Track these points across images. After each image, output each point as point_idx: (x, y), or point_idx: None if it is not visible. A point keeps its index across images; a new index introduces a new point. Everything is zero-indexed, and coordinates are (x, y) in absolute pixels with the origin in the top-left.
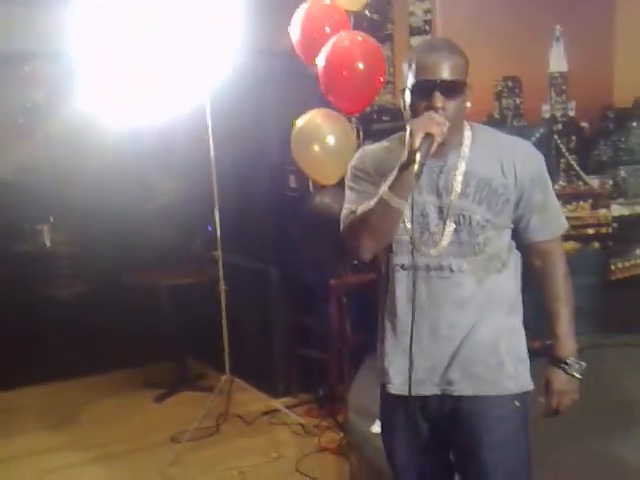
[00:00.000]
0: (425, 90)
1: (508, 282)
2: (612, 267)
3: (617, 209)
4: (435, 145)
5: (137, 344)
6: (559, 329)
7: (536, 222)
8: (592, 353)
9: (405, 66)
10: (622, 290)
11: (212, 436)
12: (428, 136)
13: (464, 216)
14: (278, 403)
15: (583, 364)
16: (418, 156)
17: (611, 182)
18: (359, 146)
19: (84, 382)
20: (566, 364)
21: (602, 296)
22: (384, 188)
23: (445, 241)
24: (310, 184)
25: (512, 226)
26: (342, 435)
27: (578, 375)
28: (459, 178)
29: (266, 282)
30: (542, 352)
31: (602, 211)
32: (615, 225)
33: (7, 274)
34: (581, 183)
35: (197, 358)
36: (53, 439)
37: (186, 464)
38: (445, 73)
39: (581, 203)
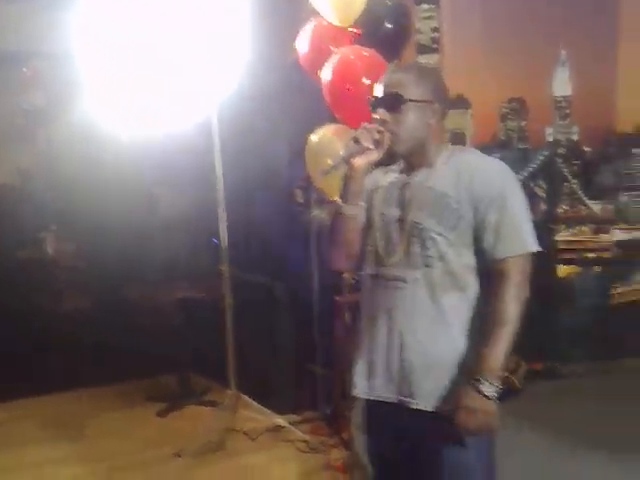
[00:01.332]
0: (373, 107)
1: (467, 302)
2: (613, 291)
3: (618, 234)
4: (369, 154)
5: (141, 357)
6: (485, 348)
7: (489, 240)
8: (592, 377)
9: None
10: (623, 314)
11: (216, 452)
12: (354, 142)
13: (418, 229)
14: (283, 420)
15: (498, 386)
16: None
17: (612, 207)
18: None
19: (87, 394)
20: (478, 381)
21: (602, 320)
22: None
23: (400, 252)
24: (312, 199)
25: (475, 246)
26: (347, 453)
27: (490, 394)
28: (420, 193)
29: (272, 297)
30: (545, 374)
31: (603, 236)
32: (616, 250)
33: (10, 282)
34: (583, 207)
35: (202, 373)
36: (54, 451)
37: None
38: (385, 89)
39: (583, 227)
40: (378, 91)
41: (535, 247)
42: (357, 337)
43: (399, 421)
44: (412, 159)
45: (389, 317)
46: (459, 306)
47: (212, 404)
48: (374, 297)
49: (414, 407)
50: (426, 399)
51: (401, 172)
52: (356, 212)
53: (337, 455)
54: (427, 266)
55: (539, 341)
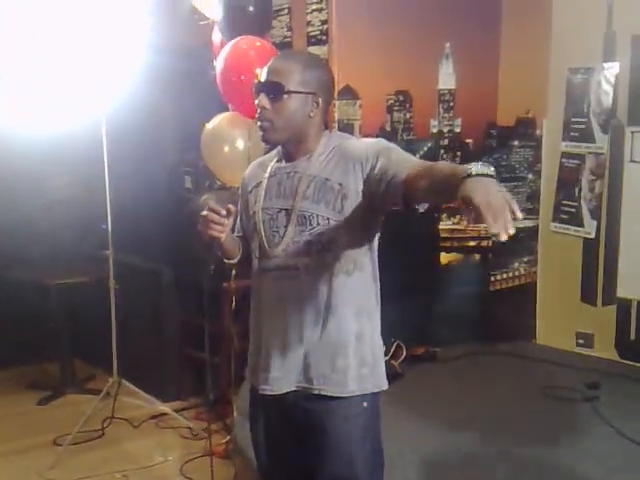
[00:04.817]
0: (256, 92)
1: (358, 285)
2: (491, 278)
3: None
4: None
5: (23, 343)
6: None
7: (388, 176)
8: (469, 360)
9: None
10: (499, 300)
11: (97, 439)
12: (212, 239)
13: (305, 216)
14: (167, 407)
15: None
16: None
17: None
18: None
19: None
20: (470, 170)
21: (481, 306)
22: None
23: (287, 241)
24: (202, 185)
25: (364, 225)
26: (228, 438)
27: (489, 171)
28: (302, 182)
29: (159, 283)
30: (427, 358)
31: (483, 225)
32: (494, 239)
33: None
34: None
35: (86, 360)
36: None
37: (67, 467)
38: (268, 76)
39: (464, 216)
40: (262, 76)
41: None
42: (250, 330)
43: (291, 410)
44: (291, 148)
45: (283, 307)
46: (355, 288)
47: (95, 392)
48: (265, 289)
49: (311, 393)
50: (321, 384)
51: (279, 161)
52: (237, 260)
53: (219, 441)
54: (319, 252)
55: (420, 327)
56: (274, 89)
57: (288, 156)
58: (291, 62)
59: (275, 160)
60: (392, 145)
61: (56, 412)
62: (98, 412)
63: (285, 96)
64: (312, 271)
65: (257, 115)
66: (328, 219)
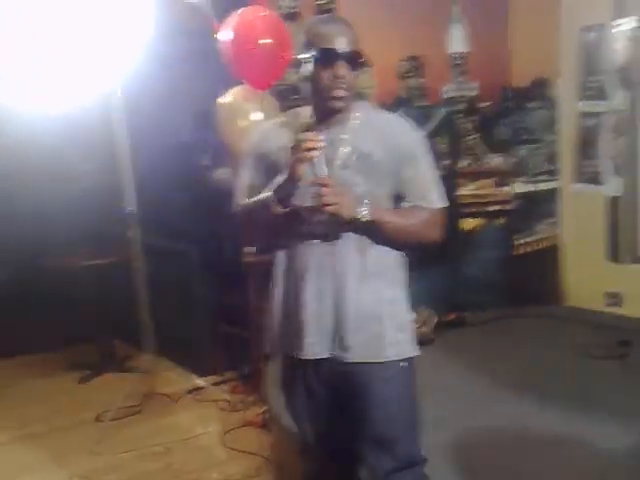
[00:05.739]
0: (328, 59)
1: (390, 254)
2: (515, 242)
3: (519, 186)
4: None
5: (62, 326)
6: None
7: (404, 192)
8: (497, 324)
9: (304, 37)
10: (525, 264)
11: (137, 414)
12: (308, 160)
13: (345, 186)
14: (204, 381)
15: (367, 216)
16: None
17: (512, 160)
18: None
19: (7, 364)
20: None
21: (506, 270)
22: (269, 192)
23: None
24: (216, 161)
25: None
26: (265, 409)
27: (363, 212)
28: (344, 151)
29: (187, 261)
30: (456, 324)
31: (505, 189)
32: (517, 202)
33: None
34: (484, 162)
35: (124, 340)
36: None
37: (112, 442)
38: (347, 44)
39: (485, 181)
40: (336, 44)
41: (442, 203)
42: (276, 297)
43: (329, 375)
44: (334, 115)
45: (318, 274)
46: (388, 259)
47: (134, 370)
48: (299, 255)
49: (347, 361)
50: (358, 352)
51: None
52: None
53: (256, 412)
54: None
55: (449, 293)
56: (353, 58)
57: (324, 123)
58: (350, 29)
59: (306, 124)
60: (424, 156)
61: (97, 390)
62: (138, 388)
63: (360, 64)
64: (348, 241)
65: (331, 83)
66: (368, 191)
